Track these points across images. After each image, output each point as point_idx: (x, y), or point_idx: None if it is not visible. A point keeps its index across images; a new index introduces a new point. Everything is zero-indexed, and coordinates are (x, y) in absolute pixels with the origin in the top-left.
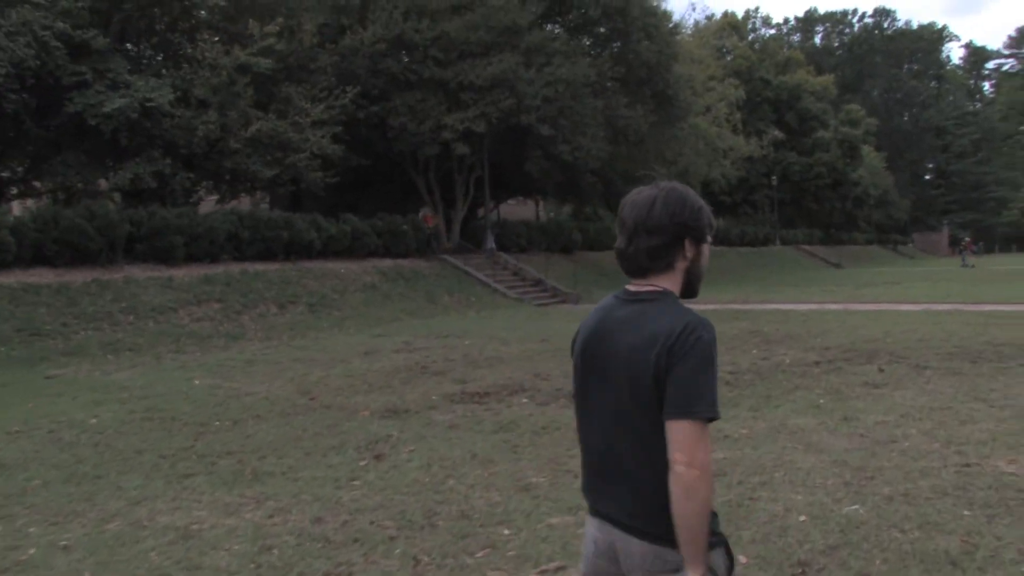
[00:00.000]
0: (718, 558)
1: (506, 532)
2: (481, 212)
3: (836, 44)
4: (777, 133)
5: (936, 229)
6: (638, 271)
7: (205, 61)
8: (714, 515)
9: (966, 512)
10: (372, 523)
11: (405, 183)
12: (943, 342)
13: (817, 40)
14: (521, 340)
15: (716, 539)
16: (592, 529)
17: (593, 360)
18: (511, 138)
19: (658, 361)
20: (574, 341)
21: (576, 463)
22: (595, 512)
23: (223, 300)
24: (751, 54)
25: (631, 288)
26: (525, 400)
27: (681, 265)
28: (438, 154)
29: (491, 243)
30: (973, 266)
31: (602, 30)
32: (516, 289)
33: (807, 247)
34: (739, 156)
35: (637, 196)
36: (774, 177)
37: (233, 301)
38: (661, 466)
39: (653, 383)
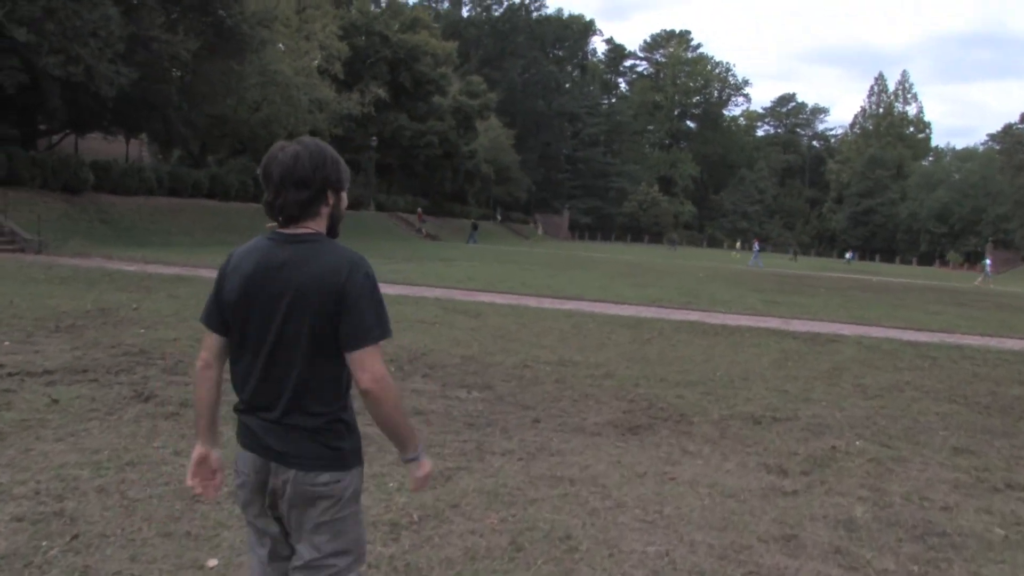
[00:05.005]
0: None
1: None
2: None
3: (484, 17)
4: (381, 92)
5: (559, 212)
6: (289, 220)
7: None
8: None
9: None
10: None
11: None
12: None
13: (464, 11)
14: None
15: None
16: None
17: (256, 297)
18: None
19: (335, 294)
20: (224, 281)
21: None
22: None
23: None
24: (370, 9)
25: (285, 231)
26: None
27: (325, 211)
28: None
29: None
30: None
31: None
32: None
33: (406, 215)
34: (338, 112)
35: (280, 152)
36: (374, 138)
37: None
38: (326, 390)
39: (327, 313)
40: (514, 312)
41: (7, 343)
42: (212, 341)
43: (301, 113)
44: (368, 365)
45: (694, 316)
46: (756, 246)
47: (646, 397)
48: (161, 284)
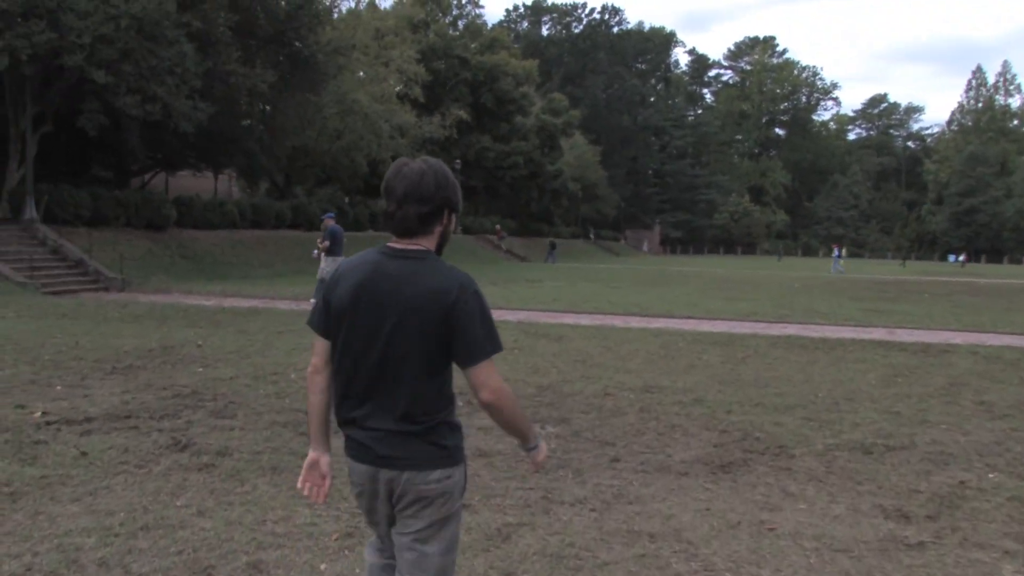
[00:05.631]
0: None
1: None
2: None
3: (564, 35)
4: (462, 114)
5: (649, 227)
6: (406, 232)
7: None
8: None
9: None
10: None
11: None
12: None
13: (544, 30)
14: None
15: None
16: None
17: (364, 308)
18: (64, 85)
19: (444, 313)
20: (333, 288)
21: None
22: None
23: None
24: (448, 32)
25: (396, 246)
26: None
27: (438, 229)
28: None
29: (31, 212)
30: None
31: None
32: (43, 272)
33: (491, 237)
34: (419, 137)
35: (406, 168)
36: (458, 161)
37: None
38: (429, 400)
39: (436, 330)
40: (598, 334)
41: (59, 387)
42: (321, 346)
43: (383, 139)
44: (484, 379)
45: (791, 330)
46: (836, 251)
47: (740, 426)
48: (232, 319)
